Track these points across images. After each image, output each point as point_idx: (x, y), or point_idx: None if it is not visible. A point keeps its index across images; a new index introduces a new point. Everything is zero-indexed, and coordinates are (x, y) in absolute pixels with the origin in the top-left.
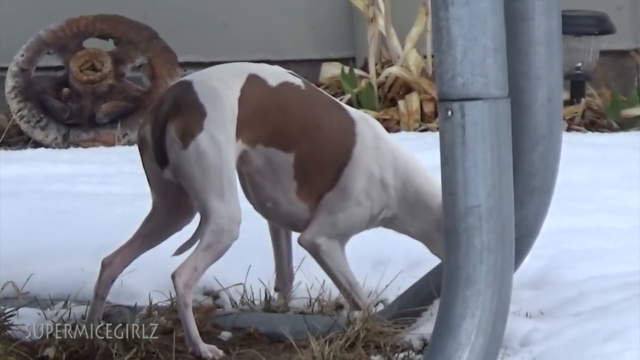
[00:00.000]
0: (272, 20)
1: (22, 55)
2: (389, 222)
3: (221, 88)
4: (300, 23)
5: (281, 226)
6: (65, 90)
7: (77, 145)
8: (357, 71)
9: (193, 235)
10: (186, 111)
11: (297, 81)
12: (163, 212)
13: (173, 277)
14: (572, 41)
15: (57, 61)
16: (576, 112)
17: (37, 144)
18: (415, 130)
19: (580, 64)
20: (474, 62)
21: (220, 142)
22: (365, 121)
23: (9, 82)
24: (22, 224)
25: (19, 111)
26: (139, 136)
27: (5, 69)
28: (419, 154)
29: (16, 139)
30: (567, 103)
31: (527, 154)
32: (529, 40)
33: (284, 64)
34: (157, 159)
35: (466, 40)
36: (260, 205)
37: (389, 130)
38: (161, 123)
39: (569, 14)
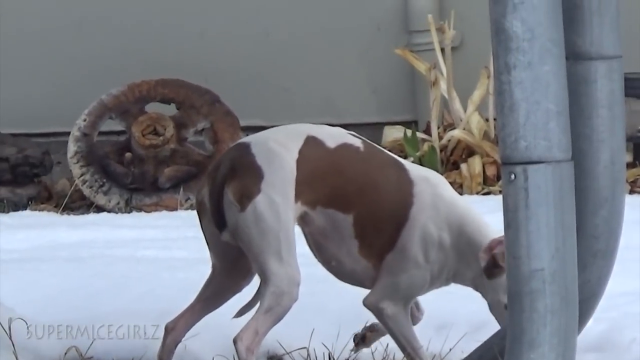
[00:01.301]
0: (333, 84)
1: (85, 120)
2: (452, 279)
3: (279, 150)
4: (362, 86)
5: (348, 283)
6: (128, 154)
7: (139, 210)
8: (420, 134)
9: (253, 298)
10: (244, 173)
11: (357, 142)
12: (223, 275)
13: (235, 341)
14: (634, 103)
15: (119, 126)
16: (639, 175)
17: (99, 209)
18: (477, 193)
19: None
20: (536, 125)
21: (278, 204)
22: (426, 180)
23: (72, 147)
24: (85, 289)
25: (81, 176)
26: (197, 199)
27: (68, 133)
28: (483, 217)
29: (79, 204)
30: (629, 165)
31: (590, 217)
32: (592, 103)
33: (345, 127)
34: (215, 221)
35: (529, 103)
36: (326, 263)
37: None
38: (219, 186)
39: (631, 76)
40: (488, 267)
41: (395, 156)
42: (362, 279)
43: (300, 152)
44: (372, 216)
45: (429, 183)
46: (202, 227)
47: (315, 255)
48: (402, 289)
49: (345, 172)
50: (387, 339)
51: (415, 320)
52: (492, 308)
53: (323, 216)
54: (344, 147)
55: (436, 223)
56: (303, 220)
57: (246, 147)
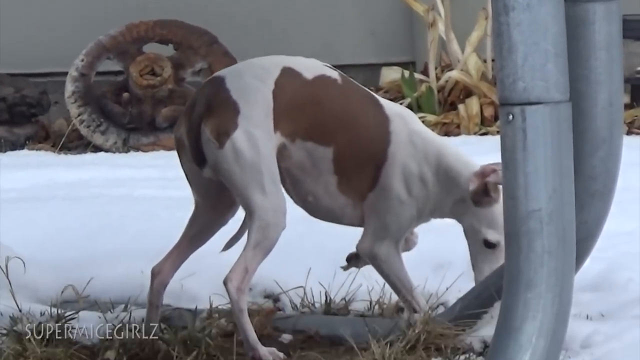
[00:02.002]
0: (331, 26)
1: (82, 60)
2: (433, 214)
3: (254, 82)
4: (360, 28)
5: (324, 220)
6: (125, 94)
7: (137, 149)
8: (417, 75)
9: (239, 229)
10: (220, 110)
11: (334, 74)
12: (207, 210)
13: (225, 283)
14: (632, 45)
15: (117, 66)
16: (636, 116)
17: (97, 149)
18: (475, 134)
19: None
20: (534, 66)
21: (256, 137)
22: (400, 117)
23: (69, 87)
24: (83, 228)
25: (78, 116)
26: (175, 138)
27: (65, 73)
28: (479, 157)
29: (76, 144)
30: (627, 107)
31: (588, 158)
32: (590, 44)
33: (343, 68)
34: (195, 159)
35: (527, 45)
36: (302, 200)
37: (449, 134)
38: (196, 124)
39: (629, 18)
40: (477, 193)
41: (369, 90)
42: (340, 215)
43: (277, 83)
44: (351, 151)
45: (404, 119)
46: (182, 164)
47: (289, 192)
48: (392, 229)
49: (323, 103)
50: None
51: (411, 244)
52: (468, 235)
53: (302, 150)
54: (322, 79)
55: (415, 158)
56: (281, 155)
57: (221, 82)
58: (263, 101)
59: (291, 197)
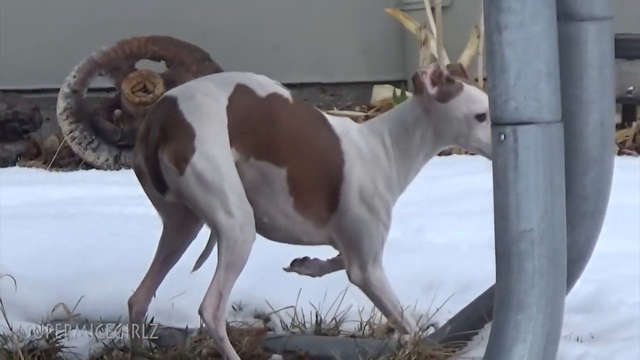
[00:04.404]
0: (324, 43)
1: (74, 77)
2: (421, 163)
3: (207, 101)
4: (352, 45)
5: (281, 241)
6: (117, 111)
7: (128, 167)
8: (409, 94)
9: (207, 245)
10: (175, 135)
11: (286, 93)
12: (174, 230)
13: (200, 312)
14: (624, 65)
15: (109, 82)
16: (627, 136)
17: (88, 166)
18: (466, 153)
19: (632, 88)
20: (527, 86)
21: (215, 157)
22: (346, 134)
23: (61, 104)
24: (74, 246)
25: (70, 132)
26: (133, 165)
27: (57, 90)
28: (471, 177)
29: (67, 161)
30: (618, 127)
31: (579, 178)
32: (582, 64)
33: (335, 86)
34: (156, 186)
35: (519, 64)
36: (256, 221)
37: (440, 153)
38: (152, 151)
39: (621, 37)
40: (440, 91)
41: (318, 109)
42: (299, 234)
43: (230, 99)
44: (306, 172)
45: (348, 135)
46: (144, 190)
47: None
48: (370, 251)
49: (276, 122)
50: None
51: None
52: (461, 127)
53: (255, 169)
54: (275, 97)
55: (368, 171)
56: None
57: (173, 103)
58: (217, 118)
59: None
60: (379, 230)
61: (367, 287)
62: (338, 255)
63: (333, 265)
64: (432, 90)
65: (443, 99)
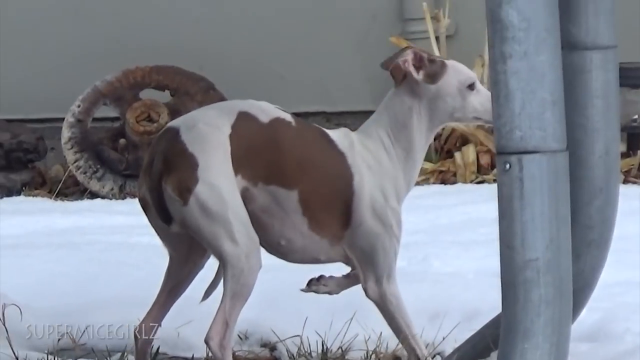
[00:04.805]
0: (328, 72)
1: (79, 106)
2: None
3: (209, 130)
4: (356, 74)
5: (300, 262)
6: (122, 141)
7: (133, 196)
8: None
9: (215, 275)
10: (178, 165)
11: (287, 117)
12: (180, 261)
13: (206, 342)
14: (629, 93)
15: (113, 112)
16: (633, 165)
17: (93, 195)
18: (471, 182)
19: (637, 116)
20: (532, 115)
21: (219, 187)
22: (350, 149)
23: (66, 133)
24: (79, 275)
25: (75, 162)
26: (138, 197)
27: (62, 119)
28: (475, 206)
29: (72, 190)
30: (623, 155)
31: (585, 207)
32: (587, 93)
33: (339, 115)
34: (161, 217)
35: (524, 93)
36: (274, 245)
37: (445, 182)
38: (156, 182)
39: (626, 66)
40: (426, 74)
41: (319, 127)
42: (317, 252)
43: (233, 127)
44: (317, 192)
45: (352, 149)
46: (149, 221)
47: (260, 237)
48: (382, 263)
49: (281, 146)
50: (380, 328)
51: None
52: (455, 101)
53: (265, 193)
54: (278, 122)
55: (376, 181)
56: (245, 198)
57: (175, 134)
58: (220, 147)
59: (262, 245)
60: (392, 243)
61: (384, 303)
62: (352, 271)
63: (349, 280)
64: (418, 75)
65: (432, 80)
